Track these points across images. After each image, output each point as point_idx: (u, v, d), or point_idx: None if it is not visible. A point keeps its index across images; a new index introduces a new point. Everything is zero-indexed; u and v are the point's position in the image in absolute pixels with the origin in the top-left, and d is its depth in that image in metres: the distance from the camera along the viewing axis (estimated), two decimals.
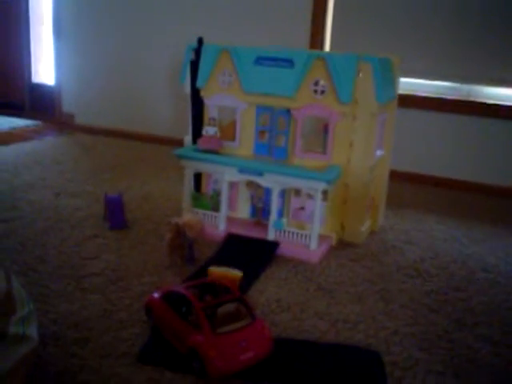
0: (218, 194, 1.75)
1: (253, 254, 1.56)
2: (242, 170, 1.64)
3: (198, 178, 1.85)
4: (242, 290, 1.33)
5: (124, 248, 1.60)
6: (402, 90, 2.47)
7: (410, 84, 2.59)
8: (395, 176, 2.37)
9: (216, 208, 1.74)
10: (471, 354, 1.17)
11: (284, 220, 1.65)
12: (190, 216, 1.53)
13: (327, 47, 2.73)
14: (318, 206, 1.57)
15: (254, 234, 1.68)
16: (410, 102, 2.55)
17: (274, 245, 1.60)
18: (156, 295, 1.19)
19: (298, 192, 1.74)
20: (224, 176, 1.67)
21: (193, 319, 1.07)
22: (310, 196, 1.66)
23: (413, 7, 2.54)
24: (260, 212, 1.77)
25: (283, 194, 1.72)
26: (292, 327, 1.23)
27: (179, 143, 1.87)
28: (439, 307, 1.37)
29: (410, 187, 2.53)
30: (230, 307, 1.12)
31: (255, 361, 1.05)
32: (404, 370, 1.09)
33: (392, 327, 1.25)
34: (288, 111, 1.67)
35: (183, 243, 1.50)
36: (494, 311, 1.38)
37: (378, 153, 1.78)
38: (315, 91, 1.62)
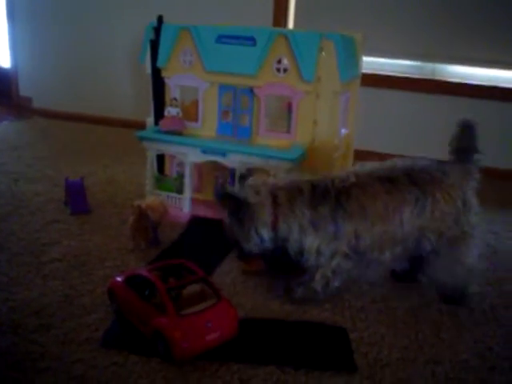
0: (181, 175, 1.72)
1: (218, 235, 1.54)
2: (205, 151, 1.62)
3: (161, 160, 1.81)
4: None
5: (86, 233, 1.57)
6: (367, 69, 2.48)
7: (376, 63, 2.59)
8: (361, 155, 2.37)
9: (180, 190, 1.71)
10: (436, 329, 1.18)
11: None
12: (152, 198, 1.50)
13: (291, 25, 2.70)
14: None
15: (219, 215, 1.65)
16: (374, 80, 2.55)
17: None
18: (119, 279, 1.16)
19: (263, 173, 1.72)
20: (187, 157, 1.64)
21: (156, 301, 1.06)
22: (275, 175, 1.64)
23: None
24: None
25: (249, 174, 1.70)
26: (258, 307, 1.22)
27: (142, 126, 1.83)
28: (407, 285, 1.38)
29: None
30: (194, 288, 1.11)
31: (221, 341, 1.04)
32: (370, 346, 1.10)
33: (359, 305, 1.26)
34: (251, 90, 1.65)
35: (146, 226, 1.47)
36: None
37: (343, 131, 1.78)
38: (278, 69, 1.60)
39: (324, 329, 1.14)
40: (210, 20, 2.25)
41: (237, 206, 1.22)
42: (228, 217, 1.27)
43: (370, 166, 1.27)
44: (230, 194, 1.24)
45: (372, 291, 1.33)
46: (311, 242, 1.18)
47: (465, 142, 1.31)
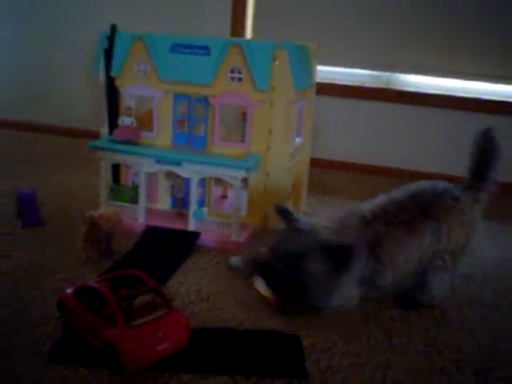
0: (137, 186, 1.71)
1: (173, 245, 1.53)
2: (159, 161, 1.61)
3: (116, 170, 1.79)
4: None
5: (38, 245, 1.53)
6: (325, 79, 2.52)
7: (334, 73, 2.63)
8: (318, 164, 2.40)
9: (135, 200, 1.69)
10: (388, 334, 1.20)
11: (204, 209, 1.63)
12: (105, 208, 1.48)
13: (249, 35, 2.72)
14: (237, 195, 1.56)
15: (175, 225, 1.65)
16: (332, 89, 2.59)
17: (195, 235, 1.58)
18: (68, 291, 1.14)
19: (219, 181, 1.72)
20: (141, 167, 1.63)
21: (106, 313, 1.04)
22: (231, 185, 1.65)
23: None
24: (180, 202, 1.74)
25: (204, 183, 1.70)
26: (212, 316, 1.21)
27: (97, 135, 1.81)
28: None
29: (332, 174, 2.57)
30: (145, 299, 1.09)
31: (172, 351, 1.03)
32: (322, 352, 1.11)
33: (312, 312, 1.26)
34: (206, 99, 1.65)
35: (99, 237, 1.45)
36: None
37: (298, 140, 1.79)
38: (232, 78, 1.61)
39: (276, 336, 1.14)
40: (167, 29, 2.24)
41: (340, 256, 1.15)
42: (313, 268, 1.16)
43: (382, 204, 1.30)
44: (335, 245, 1.15)
45: None
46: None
47: (483, 159, 1.36)
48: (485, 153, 1.35)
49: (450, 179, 2.44)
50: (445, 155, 2.58)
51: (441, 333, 1.22)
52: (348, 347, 1.13)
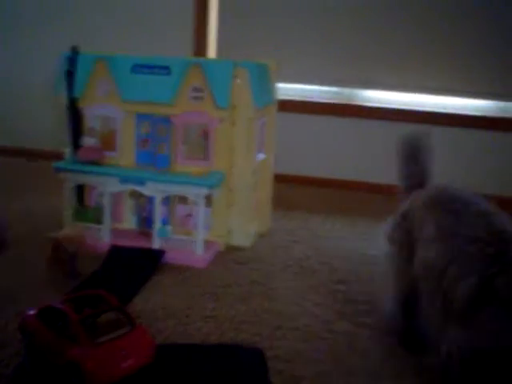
0: (101, 206, 1.71)
1: (138, 263, 1.54)
2: (123, 180, 1.62)
3: (80, 190, 1.79)
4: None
5: (0, 269, 1.51)
6: (287, 96, 2.58)
7: (296, 89, 2.69)
8: (282, 179, 2.44)
9: (100, 220, 1.69)
10: (350, 341, 1.23)
11: (169, 227, 1.64)
12: (69, 229, 1.48)
13: (212, 55, 2.76)
14: (201, 212, 1.58)
15: (140, 243, 1.65)
16: (293, 106, 2.64)
17: (160, 253, 1.59)
18: (31, 313, 1.13)
19: (184, 199, 1.74)
20: (105, 187, 1.63)
21: (70, 332, 1.04)
22: (195, 204, 1.66)
23: (294, 15, 2.65)
24: (145, 221, 1.74)
25: (168, 202, 1.71)
26: (177, 332, 1.22)
27: (61, 157, 1.81)
28: (322, 300, 1.43)
29: (296, 189, 2.61)
30: (109, 317, 1.09)
31: (137, 368, 1.03)
32: (286, 362, 1.12)
33: (276, 323, 1.28)
34: (168, 118, 1.67)
35: (63, 258, 1.45)
36: (372, 300, 1.45)
37: (260, 156, 1.82)
38: (193, 98, 1.64)
39: (240, 350, 1.16)
40: (130, 51, 2.27)
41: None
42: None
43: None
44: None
45: (287, 309, 1.36)
46: None
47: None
48: (412, 160, 1.26)
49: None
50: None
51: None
52: (311, 356, 1.15)
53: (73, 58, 1.73)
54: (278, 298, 1.42)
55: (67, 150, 1.82)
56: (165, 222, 1.68)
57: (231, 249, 1.74)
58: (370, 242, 1.92)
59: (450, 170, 2.59)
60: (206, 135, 1.68)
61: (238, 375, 1.07)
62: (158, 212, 1.61)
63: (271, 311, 1.34)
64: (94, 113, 1.74)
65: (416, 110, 2.62)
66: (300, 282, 1.53)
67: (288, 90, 2.65)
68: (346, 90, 2.68)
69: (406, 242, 1.15)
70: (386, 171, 2.65)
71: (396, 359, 1.16)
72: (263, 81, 1.76)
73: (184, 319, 1.28)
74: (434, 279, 1.00)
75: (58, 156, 1.83)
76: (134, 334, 1.05)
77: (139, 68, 1.66)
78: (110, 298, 1.13)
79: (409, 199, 1.20)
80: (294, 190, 2.58)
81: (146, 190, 1.60)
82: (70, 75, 1.73)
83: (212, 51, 2.76)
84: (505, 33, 2.51)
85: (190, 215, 1.86)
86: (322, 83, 2.70)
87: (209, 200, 1.66)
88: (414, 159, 1.26)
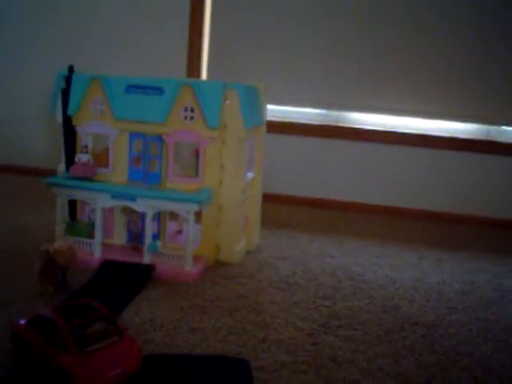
0: (93, 221, 1.74)
1: (128, 278, 1.57)
2: (114, 196, 1.66)
3: (72, 206, 1.83)
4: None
5: None
6: (277, 117, 2.66)
7: (284, 112, 2.76)
8: (270, 199, 2.49)
9: (92, 235, 1.72)
10: (333, 353, 1.26)
11: (159, 243, 1.68)
12: (60, 242, 1.51)
13: (204, 76, 2.83)
14: (191, 228, 1.62)
15: (131, 258, 1.69)
16: (283, 127, 2.71)
17: (150, 268, 1.62)
18: (22, 322, 1.16)
19: (174, 216, 1.78)
20: (97, 202, 1.67)
21: (59, 341, 1.07)
22: (185, 220, 1.70)
23: (284, 40, 2.73)
24: (136, 237, 1.78)
25: (159, 218, 1.75)
26: (165, 343, 1.25)
27: (54, 173, 1.85)
28: (307, 315, 1.46)
29: (286, 209, 2.66)
30: (98, 327, 1.13)
31: (124, 377, 1.06)
32: (270, 373, 1.16)
33: (261, 336, 1.32)
34: (160, 137, 1.72)
35: (55, 270, 1.48)
36: (356, 314, 1.49)
37: (249, 175, 1.87)
38: (185, 117, 1.69)
39: (226, 361, 1.19)
40: (125, 72, 2.33)
41: None
42: None
43: None
44: None
45: (273, 322, 1.39)
46: None
47: None
48: None
49: (395, 210, 2.58)
50: (391, 187, 2.73)
51: (383, 350, 1.28)
52: (295, 367, 1.19)
53: (68, 76, 1.78)
54: (264, 312, 1.46)
55: (60, 166, 1.86)
56: (155, 238, 1.71)
57: (219, 264, 1.78)
58: (355, 260, 1.97)
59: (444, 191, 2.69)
60: (196, 154, 1.73)
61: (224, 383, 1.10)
62: (149, 227, 1.65)
63: (257, 324, 1.38)
64: (87, 131, 1.78)
65: (403, 132, 2.70)
66: (286, 297, 1.57)
67: (277, 111, 2.72)
68: (334, 113, 2.76)
69: None
70: (372, 191, 2.74)
71: (376, 369, 1.20)
72: (253, 102, 1.82)
73: (171, 331, 1.31)
74: None
75: (50, 173, 1.87)
76: (122, 343, 1.09)
77: (133, 88, 1.71)
78: (99, 308, 1.16)
79: None
80: (282, 209, 2.64)
81: (137, 206, 1.64)
82: (65, 94, 1.79)
83: (204, 73, 2.84)
84: (488, 57, 2.60)
85: (180, 231, 1.90)
86: (310, 105, 2.77)
87: (198, 216, 1.70)
88: None
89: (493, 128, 2.66)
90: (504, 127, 2.66)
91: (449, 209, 2.70)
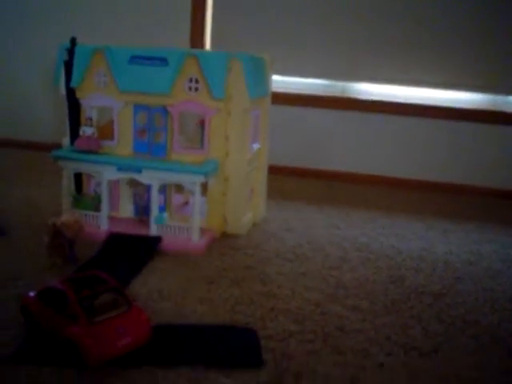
0: (99, 194, 1.74)
1: (135, 250, 1.58)
2: (120, 168, 1.65)
3: (78, 179, 1.83)
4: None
5: None
6: (283, 88, 2.64)
7: (290, 82, 2.73)
8: (277, 170, 2.49)
9: (98, 208, 1.73)
10: (340, 322, 1.27)
11: (165, 215, 1.68)
12: (67, 216, 1.51)
13: (208, 47, 2.80)
14: (197, 199, 1.62)
15: (138, 231, 1.69)
16: (288, 99, 2.68)
17: (156, 239, 1.63)
18: (31, 294, 1.17)
19: (180, 188, 1.77)
20: (103, 175, 1.67)
21: (69, 312, 1.07)
22: (191, 191, 1.70)
23: (288, 9, 2.69)
24: (143, 210, 1.78)
25: (165, 190, 1.75)
26: (173, 314, 1.26)
27: (59, 147, 1.84)
28: (314, 285, 1.47)
29: (291, 180, 2.65)
30: (106, 298, 1.13)
31: (134, 346, 1.07)
32: (278, 342, 1.16)
33: (269, 305, 1.33)
34: (165, 109, 1.71)
35: (63, 243, 1.48)
36: (362, 284, 1.50)
37: (254, 146, 1.86)
38: (190, 88, 1.67)
39: (234, 330, 1.20)
40: (129, 43, 2.30)
41: None
42: None
43: None
44: None
45: (280, 292, 1.40)
46: None
47: None
48: None
49: (400, 181, 2.57)
50: (395, 158, 2.72)
51: (390, 320, 1.29)
52: (303, 336, 1.19)
53: (71, 49, 1.76)
54: (271, 282, 1.46)
55: (65, 140, 1.86)
56: (162, 210, 1.71)
57: (226, 236, 1.79)
58: (362, 230, 1.97)
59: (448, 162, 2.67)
60: (201, 125, 1.72)
61: (232, 353, 1.11)
62: (156, 200, 1.65)
63: (264, 294, 1.38)
64: (91, 103, 1.77)
65: (407, 102, 2.67)
66: (293, 268, 1.58)
67: (283, 82, 2.69)
68: (339, 84, 2.73)
69: None
70: (377, 162, 2.72)
71: (382, 339, 1.20)
72: (258, 73, 1.79)
73: (179, 301, 1.32)
74: None
75: (56, 147, 1.87)
76: (130, 313, 1.09)
77: (137, 59, 1.69)
78: (107, 279, 1.16)
79: None
80: (287, 181, 2.63)
81: (143, 178, 1.64)
82: (68, 66, 1.77)
83: (208, 44, 2.80)
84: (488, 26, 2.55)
85: (186, 203, 1.90)
86: (315, 76, 2.73)
87: (204, 189, 1.70)
88: None
89: (499, 98, 2.62)
90: (510, 97, 2.63)
91: (452, 179, 2.69)
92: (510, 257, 1.81)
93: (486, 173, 2.66)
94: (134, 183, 1.76)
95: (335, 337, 1.20)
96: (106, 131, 1.77)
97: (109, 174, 1.66)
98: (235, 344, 1.14)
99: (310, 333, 1.21)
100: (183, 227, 1.66)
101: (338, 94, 2.72)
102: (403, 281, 1.54)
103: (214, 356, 1.09)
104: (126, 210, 1.83)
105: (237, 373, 1.05)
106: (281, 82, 2.68)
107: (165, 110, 1.71)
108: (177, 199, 1.84)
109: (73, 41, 1.77)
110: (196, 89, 1.67)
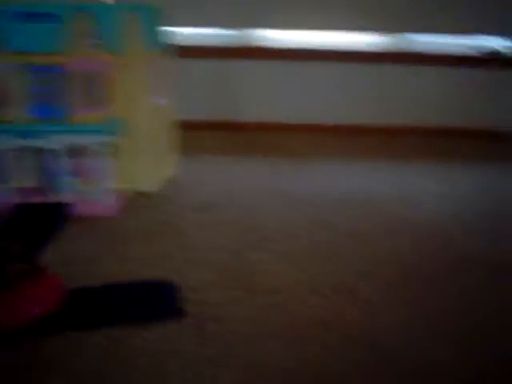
0: (2, 165, 1.65)
1: (45, 218, 1.53)
2: (20, 136, 1.57)
3: None
4: None
5: None
6: (197, 42, 2.53)
7: (204, 35, 2.64)
8: (195, 125, 2.45)
9: (2, 180, 1.64)
10: (256, 268, 1.30)
11: (75, 180, 1.62)
12: None
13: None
14: (105, 160, 1.58)
15: (46, 199, 1.63)
16: (197, 51, 2.60)
17: (67, 206, 1.58)
18: None
19: (85, 151, 1.71)
20: (2, 144, 1.58)
21: None
22: (98, 153, 1.65)
23: None
24: (50, 177, 1.71)
25: (73, 155, 1.68)
26: (87, 277, 1.24)
27: None
28: (232, 234, 1.49)
29: (207, 134, 2.61)
30: (17, 267, 1.10)
31: (47, 313, 1.05)
32: (198, 291, 1.18)
33: (188, 257, 1.34)
34: (62, 68, 1.62)
35: None
36: (282, 228, 1.54)
37: (158, 101, 1.82)
38: (86, 44, 1.59)
39: (153, 285, 1.20)
40: None
41: None
42: None
43: None
44: None
45: (198, 244, 1.42)
46: None
47: None
48: None
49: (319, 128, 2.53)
50: (314, 105, 2.74)
51: (312, 260, 1.34)
52: (223, 284, 1.22)
53: None
54: (188, 235, 1.47)
55: None
56: (71, 176, 1.65)
57: (139, 195, 1.76)
58: (281, 179, 2.00)
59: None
60: (102, 83, 1.66)
61: (153, 307, 1.12)
62: (63, 165, 1.59)
63: (182, 247, 1.39)
64: None
65: (322, 48, 2.67)
66: (209, 219, 1.59)
67: (189, 35, 2.61)
68: (247, 32, 2.67)
69: None
70: (295, 111, 2.73)
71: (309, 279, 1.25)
72: (156, 25, 1.74)
73: (95, 263, 1.30)
74: None
75: None
76: (42, 281, 1.07)
77: (24, 16, 1.59)
78: (17, 249, 1.13)
79: None
80: (206, 136, 2.58)
81: (46, 143, 1.57)
82: None
83: None
84: None
85: (95, 167, 1.84)
86: (220, 26, 2.67)
87: (112, 149, 1.65)
88: None
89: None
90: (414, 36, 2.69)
91: (377, 120, 2.76)
92: None
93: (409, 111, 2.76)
94: (37, 150, 1.67)
95: (252, 281, 1.24)
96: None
97: (8, 143, 1.57)
98: (155, 298, 1.15)
99: (229, 280, 1.24)
100: (94, 191, 1.61)
101: (243, 43, 2.67)
102: (328, 224, 1.59)
103: (135, 312, 1.10)
104: (32, 178, 1.75)
105: (160, 327, 1.06)
106: (188, 34, 2.58)
107: (62, 70, 1.62)
108: (86, 162, 1.78)
109: None
110: (92, 44, 1.59)
